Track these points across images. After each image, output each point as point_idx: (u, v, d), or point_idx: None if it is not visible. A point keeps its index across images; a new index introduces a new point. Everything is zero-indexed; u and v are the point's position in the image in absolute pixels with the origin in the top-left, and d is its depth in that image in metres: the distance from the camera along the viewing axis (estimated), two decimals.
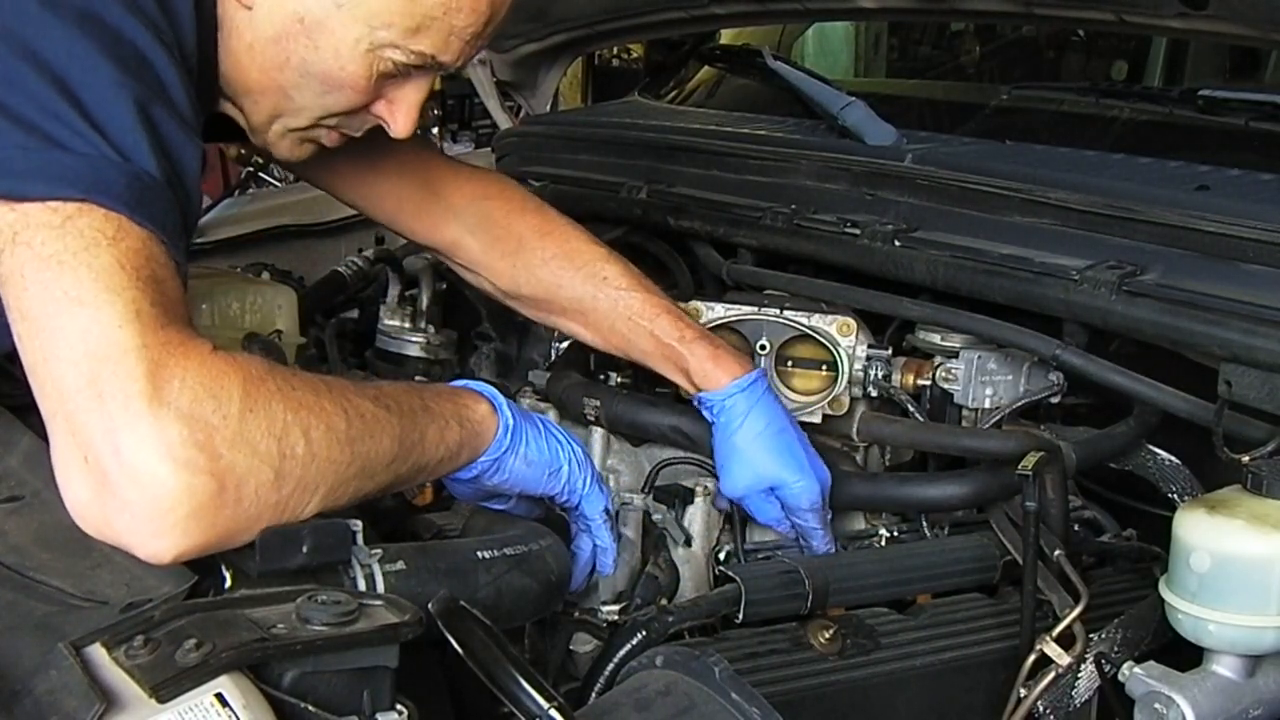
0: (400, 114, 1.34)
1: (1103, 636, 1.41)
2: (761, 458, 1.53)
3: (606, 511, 1.42)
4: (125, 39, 1.10)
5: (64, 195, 1.03)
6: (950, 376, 1.72)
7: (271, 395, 1.06)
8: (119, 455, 0.99)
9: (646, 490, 1.63)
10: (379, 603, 1.01)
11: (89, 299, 1.01)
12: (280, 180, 3.85)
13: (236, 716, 0.87)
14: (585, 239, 1.70)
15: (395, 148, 1.67)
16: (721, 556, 1.59)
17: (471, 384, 1.35)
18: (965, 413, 1.73)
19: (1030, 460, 1.47)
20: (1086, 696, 1.38)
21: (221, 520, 1.02)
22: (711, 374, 1.56)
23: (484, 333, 2.26)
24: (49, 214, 1.02)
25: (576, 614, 1.48)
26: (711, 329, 1.73)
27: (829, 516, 1.58)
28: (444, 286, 2.25)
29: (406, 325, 2.18)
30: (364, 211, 1.75)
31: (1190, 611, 1.26)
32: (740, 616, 1.39)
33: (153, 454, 0.99)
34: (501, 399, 1.33)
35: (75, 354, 1.00)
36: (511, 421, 1.32)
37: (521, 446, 1.33)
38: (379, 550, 1.15)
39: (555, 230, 1.69)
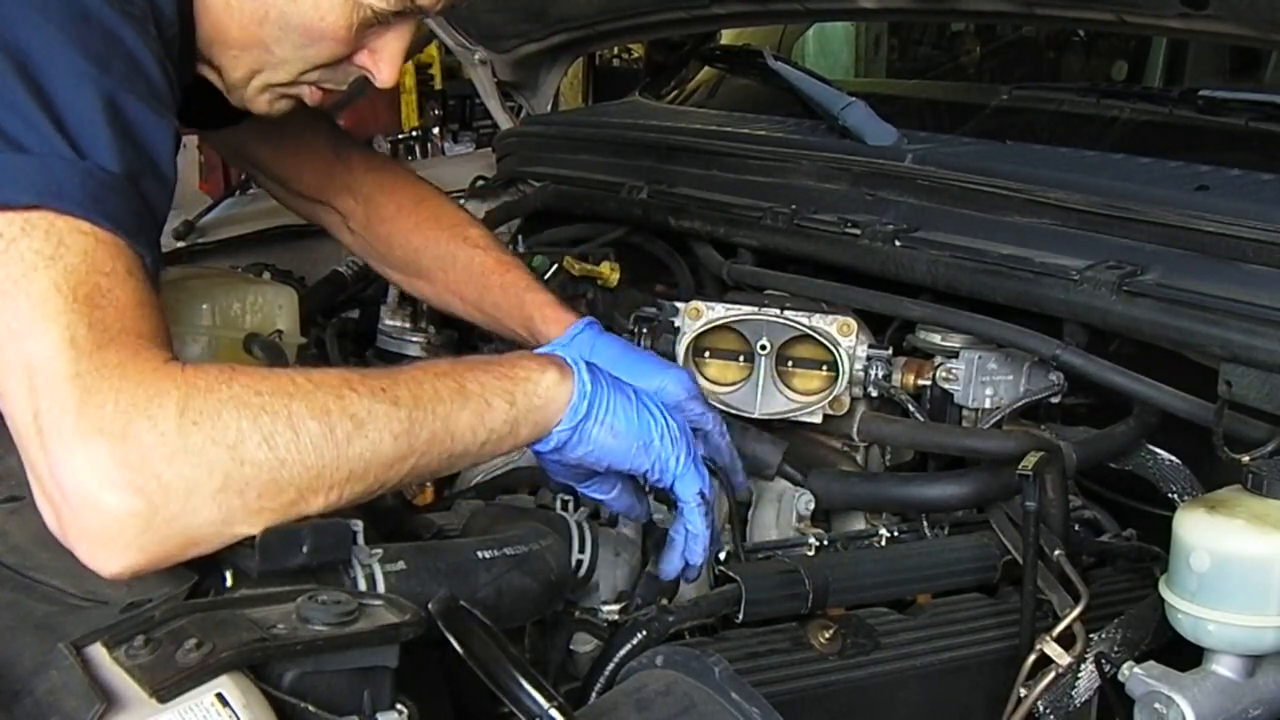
0: (384, 63, 1.34)
1: (1103, 636, 1.41)
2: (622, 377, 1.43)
3: (702, 495, 1.34)
4: (91, 17, 1.09)
5: (16, 203, 1.02)
6: (950, 376, 1.72)
7: (221, 404, 1.03)
8: (62, 489, 1.00)
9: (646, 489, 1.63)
10: (379, 603, 1.01)
11: (25, 330, 1.01)
12: None
13: (237, 716, 0.87)
14: (455, 208, 1.82)
15: (319, 121, 1.77)
16: (721, 556, 1.59)
17: (548, 349, 1.32)
18: (965, 413, 1.73)
19: (1030, 460, 1.47)
20: (1086, 696, 1.38)
21: (176, 532, 1.01)
22: (552, 319, 1.63)
23: (485, 333, 2.26)
24: None
25: (576, 614, 1.48)
26: (712, 329, 1.73)
27: (721, 424, 1.50)
28: None
29: (407, 325, 2.18)
30: (285, 183, 1.82)
31: (1190, 611, 1.26)
32: (740, 616, 1.39)
33: (90, 482, 0.99)
34: (581, 364, 1.26)
35: (21, 389, 1.01)
36: (590, 388, 1.25)
37: (605, 415, 1.26)
38: (379, 550, 1.15)
39: (429, 199, 1.81)
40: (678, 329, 1.76)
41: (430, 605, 1.05)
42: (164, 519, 1.00)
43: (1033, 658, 1.34)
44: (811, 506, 1.65)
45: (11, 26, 1.06)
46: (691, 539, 1.36)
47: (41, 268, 1.02)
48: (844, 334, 1.71)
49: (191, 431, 1.01)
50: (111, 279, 1.05)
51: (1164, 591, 1.29)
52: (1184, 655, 1.29)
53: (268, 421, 1.04)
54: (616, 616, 1.46)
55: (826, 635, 1.40)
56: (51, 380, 1.00)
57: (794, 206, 1.96)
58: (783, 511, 1.67)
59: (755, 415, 1.70)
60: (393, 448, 1.12)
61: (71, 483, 0.99)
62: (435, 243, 1.76)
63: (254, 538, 1.05)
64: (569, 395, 1.24)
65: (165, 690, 0.87)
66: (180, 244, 2.44)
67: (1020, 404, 1.71)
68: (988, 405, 1.71)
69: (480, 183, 2.68)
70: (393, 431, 1.12)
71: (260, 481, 1.04)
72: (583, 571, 1.42)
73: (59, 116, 1.05)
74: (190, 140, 2.54)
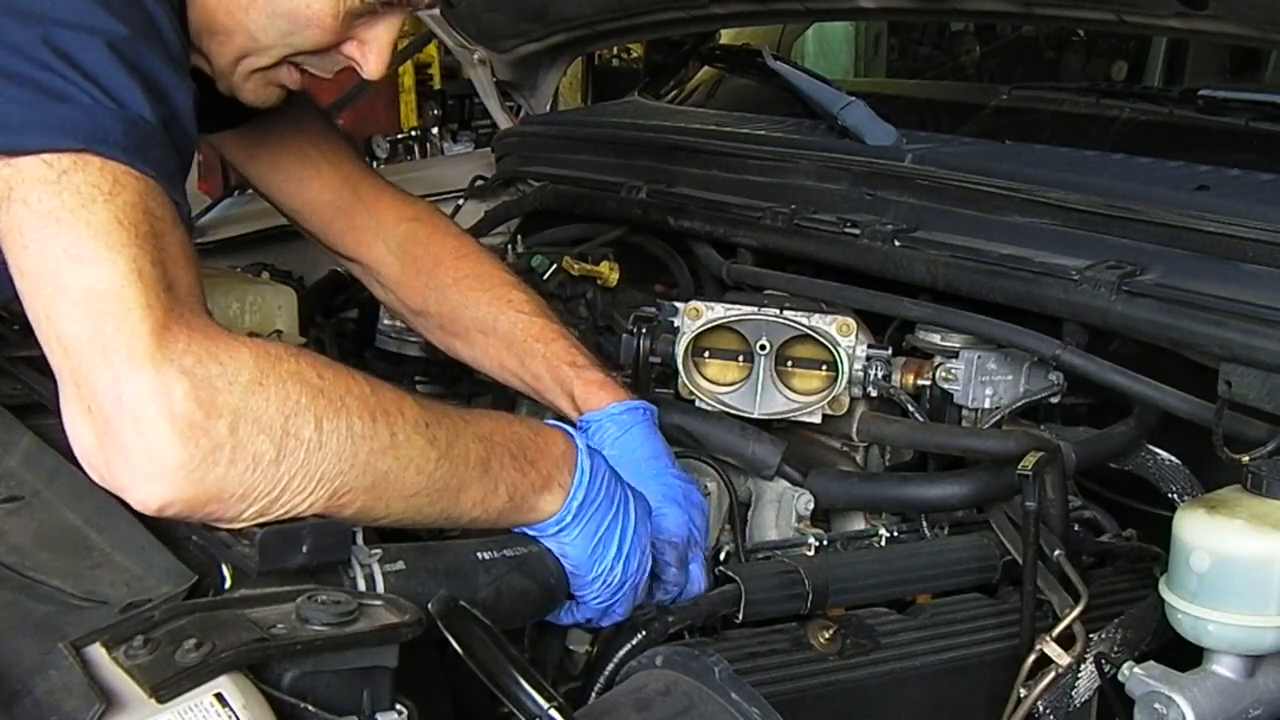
0: (372, 54, 1.33)
1: (1103, 636, 1.41)
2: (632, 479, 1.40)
3: (587, 621, 1.34)
4: None
5: (62, 146, 1.03)
6: (950, 376, 1.72)
7: (287, 376, 1.06)
8: (120, 402, 1.00)
9: None
10: (379, 603, 1.01)
11: (89, 257, 1.02)
12: None
13: (236, 716, 0.88)
14: (498, 265, 1.72)
15: (339, 159, 1.71)
16: (721, 556, 1.59)
17: (580, 450, 1.29)
18: (965, 413, 1.73)
19: (1030, 460, 1.47)
20: (1086, 697, 1.38)
21: (212, 478, 1.01)
22: (594, 396, 1.53)
23: None
24: (44, 168, 1.03)
25: None
26: (711, 329, 1.73)
27: (696, 566, 1.42)
28: None
29: (406, 325, 2.18)
30: (297, 218, 1.76)
31: (1190, 611, 1.26)
32: (740, 617, 1.39)
33: (153, 402, 0.99)
34: (582, 486, 1.27)
35: (79, 311, 1.01)
36: (569, 518, 1.27)
37: (566, 540, 1.28)
38: (379, 550, 1.15)
39: (471, 254, 1.72)
40: (677, 329, 1.76)
41: (430, 605, 1.05)
42: (207, 463, 1.01)
43: (1033, 658, 1.35)
44: (811, 506, 1.65)
45: None
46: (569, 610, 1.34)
47: (100, 200, 1.03)
48: (843, 334, 1.71)
49: (257, 391, 1.03)
50: (163, 224, 1.07)
51: (1164, 592, 1.29)
52: (1184, 655, 1.30)
53: (323, 404, 1.07)
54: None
55: (826, 635, 1.40)
56: (121, 305, 1.01)
57: (793, 206, 1.96)
58: (782, 511, 1.67)
59: (755, 415, 1.70)
60: (413, 481, 1.14)
61: (131, 398, 0.99)
62: (476, 304, 1.67)
63: (254, 537, 1.05)
64: (552, 511, 1.27)
65: (165, 690, 0.87)
66: None
67: (1020, 404, 1.71)
68: (987, 405, 1.71)
69: (479, 182, 2.68)
70: (418, 466, 1.14)
71: (297, 458, 1.05)
72: None
73: (92, 72, 1.06)
74: None
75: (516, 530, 1.28)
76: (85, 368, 1.01)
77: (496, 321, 1.65)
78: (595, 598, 1.30)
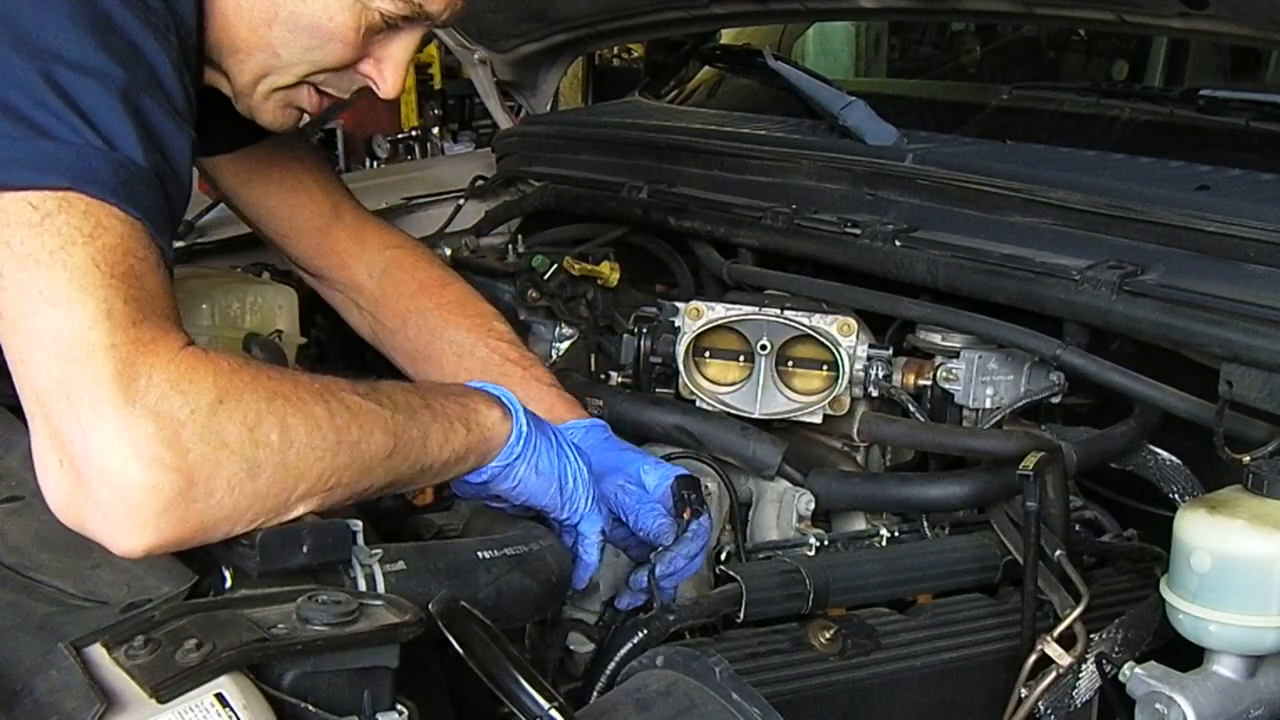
0: (388, 72, 1.34)
1: (1103, 637, 1.41)
2: (608, 462, 1.49)
3: (603, 532, 1.38)
4: (115, 25, 1.10)
5: (49, 184, 1.03)
6: (951, 376, 1.72)
7: (244, 387, 1.06)
8: (89, 456, 1.00)
9: None
10: (379, 603, 1.01)
11: (61, 299, 1.02)
12: None
13: (237, 716, 0.88)
14: (481, 299, 1.75)
15: (330, 186, 1.74)
16: (722, 556, 1.59)
17: (486, 386, 1.33)
18: (966, 413, 1.73)
19: (1031, 460, 1.47)
20: (1087, 697, 1.38)
21: (193, 515, 1.02)
22: (553, 411, 1.56)
23: None
24: (29, 210, 1.03)
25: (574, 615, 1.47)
26: (712, 329, 1.73)
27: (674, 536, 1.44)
28: None
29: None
30: (283, 242, 1.78)
31: (1191, 611, 1.26)
32: (741, 616, 1.39)
33: (120, 454, 0.99)
34: (517, 405, 1.32)
35: (48, 355, 1.01)
36: (526, 430, 1.30)
37: (534, 456, 1.31)
38: (379, 550, 1.15)
39: (456, 284, 1.75)
40: (678, 329, 1.76)
41: (430, 605, 1.05)
42: (184, 500, 1.01)
43: (1033, 658, 1.35)
44: (812, 506, 1.65)
45: (39, 30, 1.07)
46: (584, 568, 1.38)
47: (80, 243, 1.03)
48: (844, 334, 1.71)
49: (219, 411, 1.04)
50: (144, 264, 1.07)
51: (1165, 592, 1.29)
52: (1185, 655, 1.30)
53: (281, 405, 1.08)
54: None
55: (827, 635, 1.40)
56: (85, 350, 1.01)
57: (794, 206, 1.96)
58: (783, 511, 1.67)
59: (755, 415, 1.70)
60: (382, 441, 1.15)
61: (99, 452, 0.99)
62: (456, 328, 1.69)
63: (254, 538, 1.05)
64: (509, 433, 1.29)
65: (165, 690, 0.87)
66: (180, 244, 2.43)
67: (1021, 404, 1.71)
68: (988, 405, 1.71)
69: (480, 182, 2.68)
70: (382, 426, 1.16)
71: (270, 465, 1.06)
72: None
73: (87, 113, 1.06)
74: None
75: (491, 466, 1.29)
76: (55, 416, 1.02)
77: (475, 347, 1.67)
78: (583, 497, 1.34)
